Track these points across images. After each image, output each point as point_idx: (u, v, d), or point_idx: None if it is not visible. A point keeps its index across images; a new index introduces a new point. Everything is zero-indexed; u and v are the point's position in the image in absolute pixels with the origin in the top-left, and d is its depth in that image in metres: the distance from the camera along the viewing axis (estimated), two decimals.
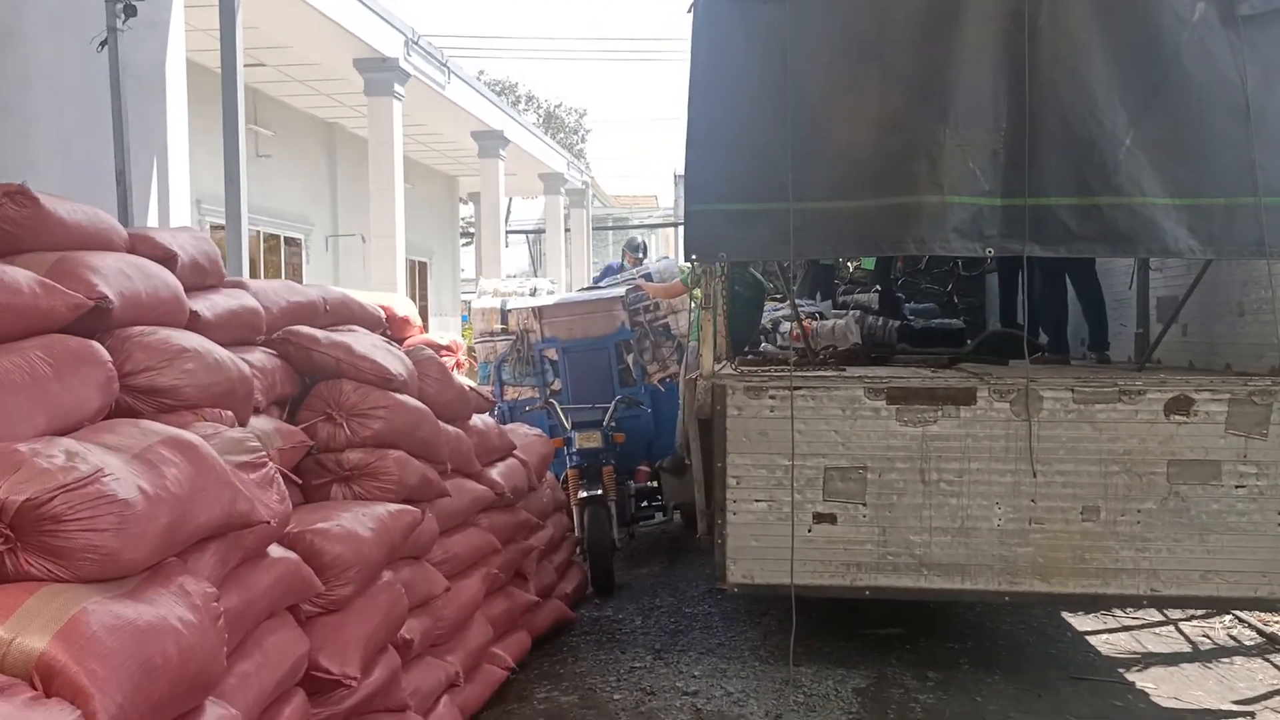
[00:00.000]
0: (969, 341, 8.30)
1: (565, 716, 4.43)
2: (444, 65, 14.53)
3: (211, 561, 2.55)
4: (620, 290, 8.07)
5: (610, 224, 36.57)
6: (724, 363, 5.37)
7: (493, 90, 23.91)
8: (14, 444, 2.18)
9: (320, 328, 4.25)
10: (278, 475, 2.99)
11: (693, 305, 8.21)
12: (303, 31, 11.63)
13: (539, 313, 8.01)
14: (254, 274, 12.39)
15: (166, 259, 3.45)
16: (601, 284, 8.89)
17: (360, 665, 3.16)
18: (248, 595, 2.71)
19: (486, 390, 7.07)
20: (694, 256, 4.88)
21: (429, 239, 20.50)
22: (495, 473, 5.10)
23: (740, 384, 4.75)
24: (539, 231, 34.40)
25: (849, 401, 4.70)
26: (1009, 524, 4.62)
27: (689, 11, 4.90)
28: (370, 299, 5.73)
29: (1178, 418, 4.51)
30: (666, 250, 39.60)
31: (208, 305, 3.66)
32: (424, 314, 17.15)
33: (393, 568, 3.67)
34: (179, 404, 3.01)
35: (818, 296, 9.87)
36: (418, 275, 19.68)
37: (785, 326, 8.49)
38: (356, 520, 3.37)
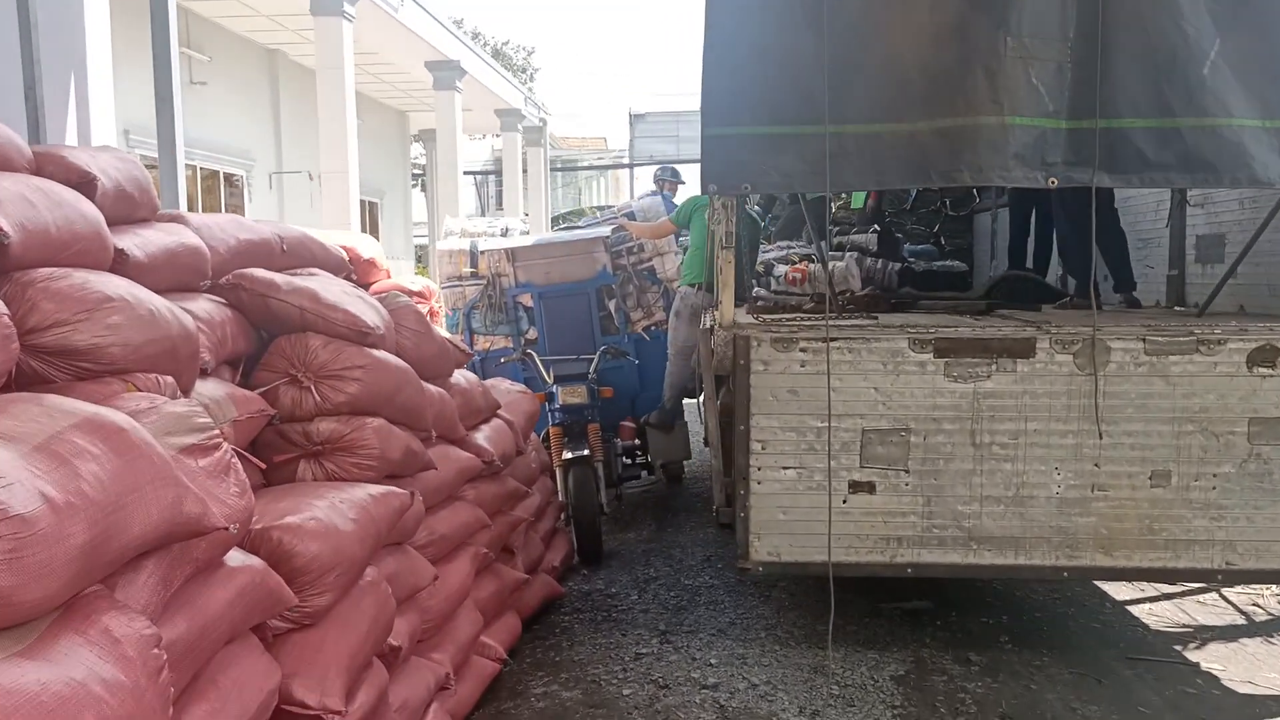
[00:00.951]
0: (974, 286, 7.81)
1: (570, 717, 3.86)
2: None
3: (150, 586, 1.90)
4: (604, 230, 7.37)
5: (559, 165, 35.53)
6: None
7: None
8: None
9: (277, 271, 3.55)
10: (235, 460, 2.32)
11: (678, 247, 7.57)
12: None
13: (512, 255, 7.30)
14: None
15: (83, 184, 2.75)
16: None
17: (344, 691, 2.54)
18: (199, 621, 2.06)
19: (458, 339, 6.38)
20: (712, 188, 4.22)
21: (380, 178, 19.48)
22: (481, 437, 4.46)
23: (767, 335, 4.15)
24: (488, 173, 33.29)
25: (891, 355, 4.11)
26: (1069, 491, 4.09)
27: None
28: (331, 239, 5.01)
29: (1262, 370, 3.99)
30: (615, 194, 38.68)
31: (138, 243, 2.96)
32: None
33: (376, 560, 3.04)
34: (101, 369, 2.33)
35: (804, 238, 9.28)
36: (368, 216, 18.71)
37: (779, 270, 7.89)
38: (334, 509, 2.72)
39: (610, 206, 8.47)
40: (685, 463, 7.90)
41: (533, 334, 7.34)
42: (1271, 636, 4.61)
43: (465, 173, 25.56)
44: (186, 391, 2.67)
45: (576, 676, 4.23)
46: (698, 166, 4.40)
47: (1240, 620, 4.86)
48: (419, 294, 7.48)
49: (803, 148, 4.10)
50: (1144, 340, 4.04)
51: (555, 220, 19.07)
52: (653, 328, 7.36)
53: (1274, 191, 4.29)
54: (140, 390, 2.36)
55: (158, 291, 2.88)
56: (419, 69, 16.68)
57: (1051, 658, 4.34)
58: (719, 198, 4.37)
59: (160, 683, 1.70)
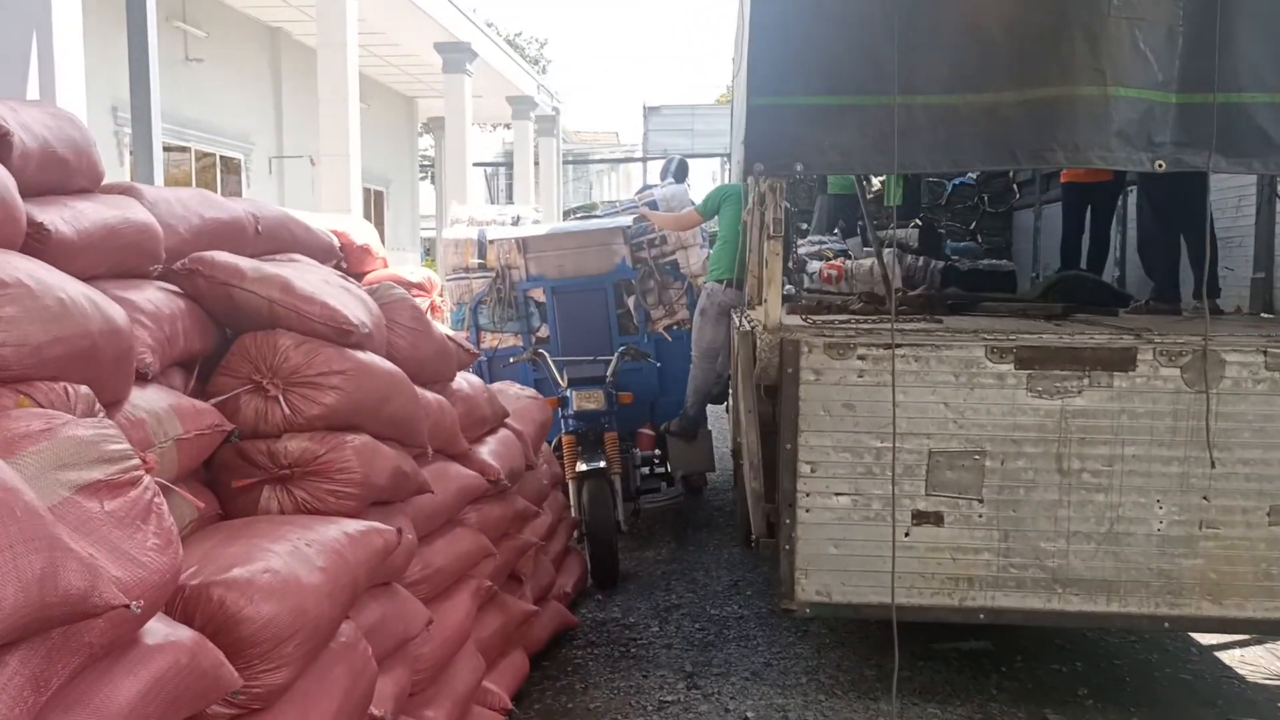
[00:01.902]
0: (1026, 287, 7.21)
1: None
2: None
3: (10, 691, 1.32)
4: (624, 220, 6.77)
5: (571, 159, 34.94)
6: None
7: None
8: None
9: (250, 256, 2.98)
10: (158, 499, 1.74)
11: (704, 240, 6.98)
12: None
13: (523, 245, 6.70)
14: None
15: None
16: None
17: None
18: None
19: (462, 337, 5.81)
20: (759, 167, 3.63)
21: (386, 165, 18.90)
22: (486, 451, 3.89)
23: (820, 340, 3.56)
24: (498, 165, 32.66)
25: (964, 365, 3.53)
26: (1173, 529, 3.50)
27: None
28: (320, 222, 4.44)
29: None
30: (626, 189, 38.00)
31: (67, 216, 2.39)
32: None
33: (354, 612, 2.47)
34: None
35: (837, 233, 8.69)
36: (373, 205, 18.15)
37: (813, 266, 7.31)
38: (296, 556, 2.14)
39: (619, 201, 7.87)
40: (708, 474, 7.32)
41: (544, 332, 6.75)
42: None
43: (475, 164, 25.03)
44: (113, 404, 2.10)
45: None
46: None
47: None
48: (418, 286, 6.89)
49: (865, 121, 3.52)
50: (1265, 353, 3.45)
51: (567, 214, 18.50)
52: (675, 327, 6.77)
53: None
54: (38, 406, 1.79)
55: (91, 277, 2.33)
56: (428, 51, 16.06)
57: (1141, 717, 3.76)
58: (765, 179, 3.78)
59: None
